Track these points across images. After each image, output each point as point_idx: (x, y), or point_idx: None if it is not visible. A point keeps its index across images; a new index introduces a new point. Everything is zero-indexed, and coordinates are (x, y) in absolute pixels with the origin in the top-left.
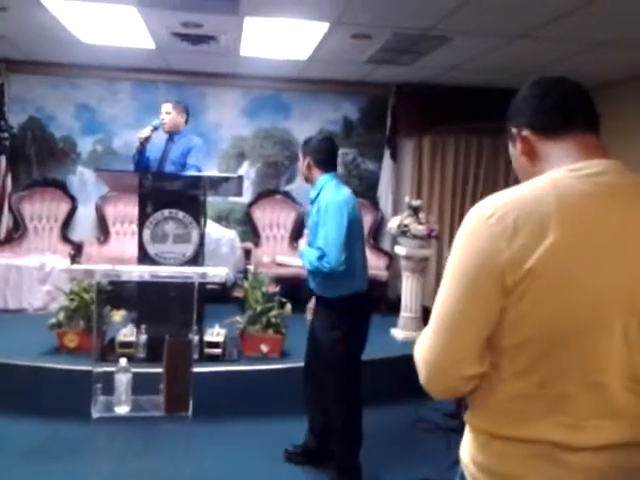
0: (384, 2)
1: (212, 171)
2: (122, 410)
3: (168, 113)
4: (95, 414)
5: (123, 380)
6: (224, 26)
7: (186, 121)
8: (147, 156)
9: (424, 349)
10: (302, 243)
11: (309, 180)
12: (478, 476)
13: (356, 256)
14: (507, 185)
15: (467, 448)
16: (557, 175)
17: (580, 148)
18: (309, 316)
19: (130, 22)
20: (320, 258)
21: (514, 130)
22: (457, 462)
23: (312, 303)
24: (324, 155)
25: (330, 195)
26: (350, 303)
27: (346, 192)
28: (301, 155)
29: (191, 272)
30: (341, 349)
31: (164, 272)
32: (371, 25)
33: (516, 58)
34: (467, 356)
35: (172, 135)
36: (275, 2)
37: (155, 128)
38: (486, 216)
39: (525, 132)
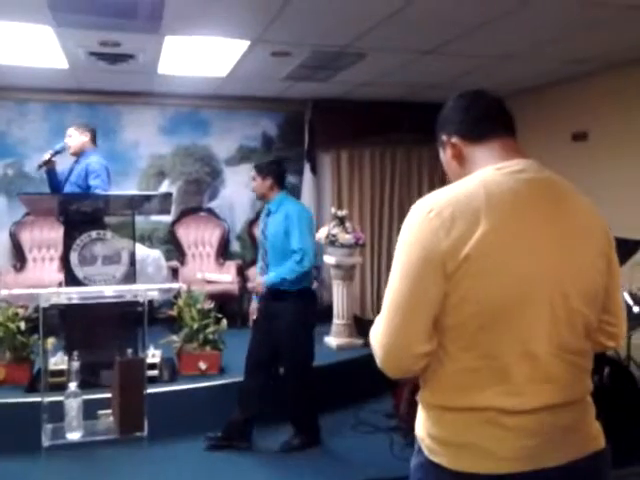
0: (305, 21)
1: (132, 190)
2: (74, 436)
3: (70, 136)
4: (46, 442)
5: (74, 405)
6: (143, 44)
7: (93, 141)
8: (60, 179)
9: (379, 334)
10: (260, 278)
11: (266, 197)
12: (434, 448)
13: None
14: (420, 190)
15: (422, 424)
16: (485, 173)
17: (502, 150)
18: (254, 316)
19: (43, 42)
20: (300, 261)
21: (444, 138)
22: (412, 443)
23: (254, 305)
24: (282, 176)
25: (296, 206)
26: (310, 292)
27: (304, 204)
28: (258, 176)
29: (143, 289)
30: (305, 330)
31: (111, 292)
32: (291, 43)
33: (424, 73)
34: (418, 336)
35: (79, 157)
36: (197, 21)
37: (57, 152)
38: (426, 211)
39: (454, 139)
